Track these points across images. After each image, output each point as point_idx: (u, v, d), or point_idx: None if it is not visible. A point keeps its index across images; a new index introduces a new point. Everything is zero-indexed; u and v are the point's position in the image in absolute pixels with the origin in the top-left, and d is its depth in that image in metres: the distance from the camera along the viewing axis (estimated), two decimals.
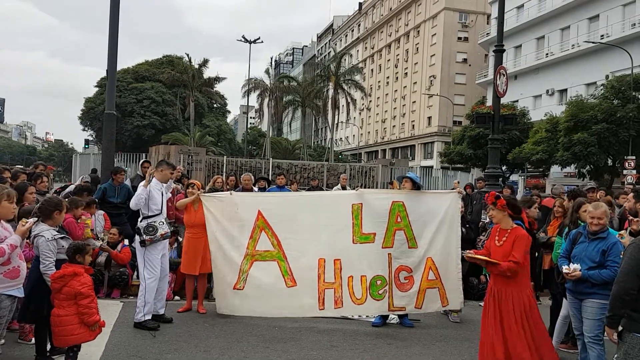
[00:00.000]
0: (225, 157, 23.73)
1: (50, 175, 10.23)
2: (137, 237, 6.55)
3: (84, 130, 59.29)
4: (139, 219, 6.62)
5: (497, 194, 5.39)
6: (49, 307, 4.74)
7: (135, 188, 9.87)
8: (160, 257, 6.67)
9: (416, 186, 7.12)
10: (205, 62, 50.16)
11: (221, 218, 7.02)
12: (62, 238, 5.05)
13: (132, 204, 6.54)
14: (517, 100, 40.71)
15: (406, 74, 65.67)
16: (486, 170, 12.07)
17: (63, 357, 4.80)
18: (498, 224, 5.21)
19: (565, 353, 6.10)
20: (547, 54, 41.23)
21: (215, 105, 63.81)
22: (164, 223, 6.60)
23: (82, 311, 4.61)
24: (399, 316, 7.18)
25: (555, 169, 33.81)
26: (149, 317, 6.51)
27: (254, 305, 6.90)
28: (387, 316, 7.19)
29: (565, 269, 5.09)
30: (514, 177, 38.08)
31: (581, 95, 30.07)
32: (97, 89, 56.80)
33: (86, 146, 36.65)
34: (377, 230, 6.81)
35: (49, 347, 5.10)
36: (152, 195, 6.58)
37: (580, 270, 4.95)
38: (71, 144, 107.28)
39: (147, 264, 6.52)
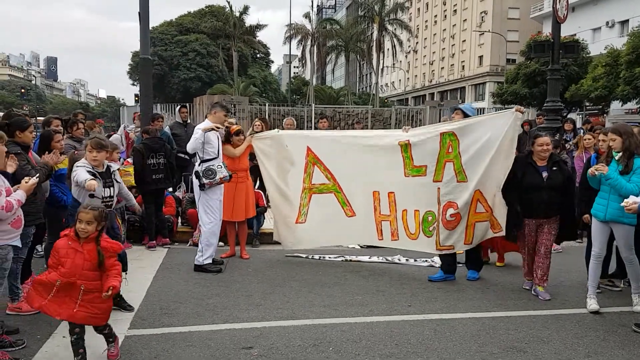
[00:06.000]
0: (267, 105, 23.37)
1: (96, 127, 10.22)
2: (195, 181, 6.43)
3: (133, 84, 60.23)
4: (197, 163, 6.48)
5: None
6: None
7: (175, 135, 9.82)
8: (218, 202, 6.61)
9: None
10: (245, 9, 49.64)
11: (274, 157, 7.05)
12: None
13: (189, 147, 6.41)
14: (574, 34, 37.89)
15: (455, 11, 62.58)
16: (545, 104, 11.08)
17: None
18: None
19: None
20: None
21: (258, 56, 63.29)
22: (222, 167, 6.47)
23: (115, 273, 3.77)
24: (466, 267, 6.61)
25: (615, 105, 31.74)
26: (209, 260, 6.52)
27: (317, 236, 7.04)
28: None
29: (625, 202, 4.81)
30: (571, 116, 36.10)
31: None
32: None
33: (137, 101, 37.01)
34: (428, 162, 6.30)
35: None
36: (208, 138, 6.42)
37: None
38: (122, 99, 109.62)
39: (207, 209, 6.48)
